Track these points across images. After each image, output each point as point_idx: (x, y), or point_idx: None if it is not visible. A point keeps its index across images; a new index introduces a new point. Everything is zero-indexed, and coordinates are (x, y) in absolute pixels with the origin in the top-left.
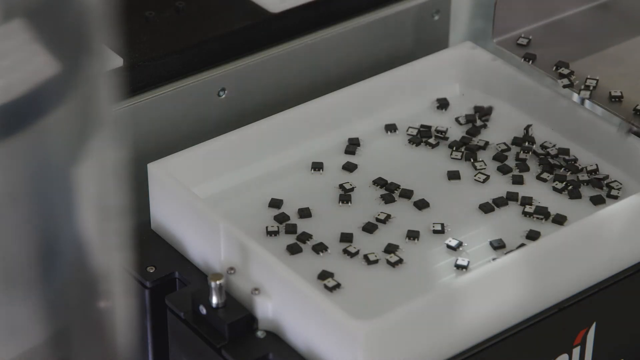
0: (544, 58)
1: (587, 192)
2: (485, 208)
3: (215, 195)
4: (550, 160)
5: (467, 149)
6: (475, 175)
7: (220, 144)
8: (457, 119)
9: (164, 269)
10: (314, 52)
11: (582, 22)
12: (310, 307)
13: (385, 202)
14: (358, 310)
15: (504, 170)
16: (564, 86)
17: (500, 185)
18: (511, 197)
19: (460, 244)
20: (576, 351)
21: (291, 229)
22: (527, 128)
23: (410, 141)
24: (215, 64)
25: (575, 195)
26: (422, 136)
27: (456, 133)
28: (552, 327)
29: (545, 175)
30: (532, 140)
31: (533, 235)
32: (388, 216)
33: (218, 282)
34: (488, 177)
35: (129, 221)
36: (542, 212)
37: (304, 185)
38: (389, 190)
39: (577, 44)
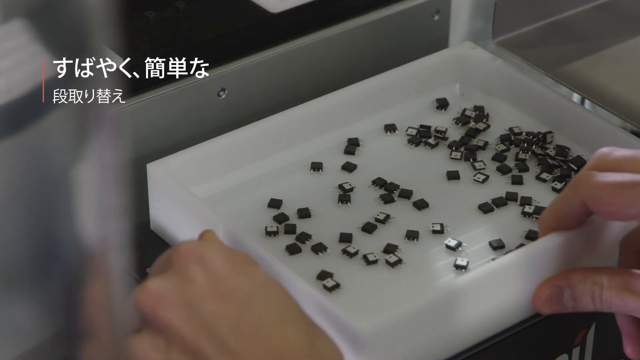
0: (544, 58)
1: None
2: (485, 208)
3: (215, 195)
4: (550, 160)
5: (467, 149)
6: (474, 176)
7: (220, 144)
8: (454, 120)
9: None
10: (314, 52)
11: (582, 22)
12: (310, 307)
13: (385, 202)
14: (357, 310)
15: (503, 170)
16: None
17: (499, 186)
18: (510, 197)
19: (459, 244)
20: (576, 351)
21: (290, 229)
22: (545, 134)
23: (409, 141)
24: (215, 64)
25: None
26: (422, 136)
27: (456, 133)
28: (552, 327)
29: (544, 175)
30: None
31: (533, 236)
32: (387, 216)
33: None
34: (487, 177)
35: (129, 221)
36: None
37: (304, 185)
38: (389, 191)
39: (577, 44)
